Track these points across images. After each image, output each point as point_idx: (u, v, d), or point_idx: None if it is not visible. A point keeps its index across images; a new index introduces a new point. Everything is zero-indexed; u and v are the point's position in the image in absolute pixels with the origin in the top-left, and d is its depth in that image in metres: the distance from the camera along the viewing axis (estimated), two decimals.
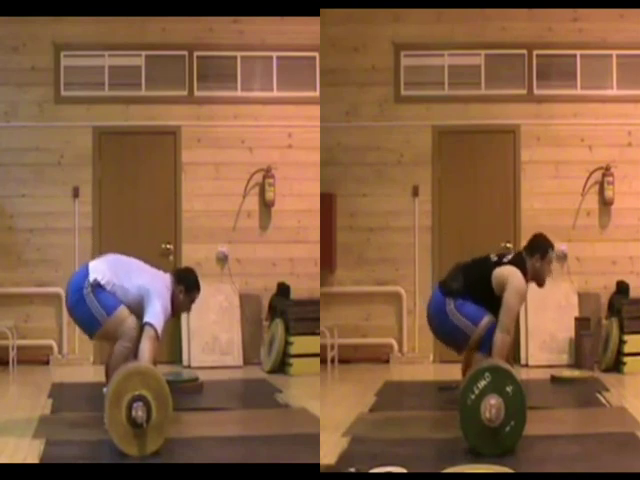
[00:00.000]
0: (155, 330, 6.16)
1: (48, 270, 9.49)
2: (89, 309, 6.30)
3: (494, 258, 6.54)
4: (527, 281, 6.47)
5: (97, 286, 6.30)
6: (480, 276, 6.44)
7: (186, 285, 6.52)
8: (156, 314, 6.21)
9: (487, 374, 5.80)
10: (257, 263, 9.74)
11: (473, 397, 5.77)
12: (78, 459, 5.62)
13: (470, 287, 6.45)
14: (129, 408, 5.65)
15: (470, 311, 6.40)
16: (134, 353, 6.20)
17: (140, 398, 5.67)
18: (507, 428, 5.75)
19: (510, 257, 6.56)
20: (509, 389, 5.79)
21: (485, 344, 6.32)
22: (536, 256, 6.53)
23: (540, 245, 6.59)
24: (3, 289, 9.45)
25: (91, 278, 6.32)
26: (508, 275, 6.37)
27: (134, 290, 6.32)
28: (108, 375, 6.38)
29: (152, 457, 5.69)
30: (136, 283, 6.34)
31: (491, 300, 6.34)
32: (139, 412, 5.63)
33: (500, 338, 6.26)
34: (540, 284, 6.62)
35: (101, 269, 6.39)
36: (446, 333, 6.57)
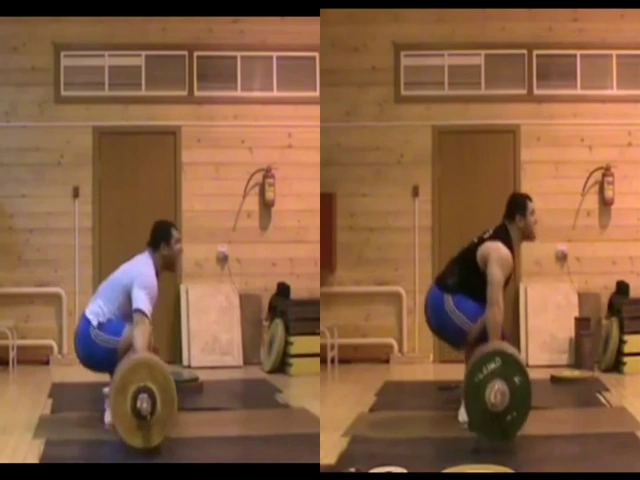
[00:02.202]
0: (143, 314, 6.19)
1: (48, 270, 9.49)
2: (104, 348, 6.32)
3: (475, 240, 6.55)
4: (515, 246, 6.47)
5: (101, 325, 6.36)
6: (470, 264, 6.43)
7: (164, 239, 6.48)
8: (141, 298, 6.22)
9: (498, 358, 5.81)
10: (257, 263, 9.74)
11: (481, 377, 5.78)
12: (78, 459, 5.62)
13: (464, 278, 6.44)
14: (134, 399, 5.67)
15: (468, 308, 6.40)
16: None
17: (146, 390, 5.69)
18: (508, 417, 5.76)
19: (491, 232, 6.54)
20: (517, 379, 5.79)
21: (480, 343, 6.31)
22: (517, 217, 6.51)
23: (516, 205, 6.57)
24: (3, 289, 9.45)
25: (94, 323, 6.37)
26: (489, 251, 6.37)
27: (124, 295, 6.34)
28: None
29: (152, 457, 5.69)
30: (122, 284, 6.36)
31: (485, 287, 6.33)
32: (144, 404, 5.66)
33: (491, 314, 6.23)
34: (532, 239, 6.63)
35: (96, 309, 6.42)
36: (445, 330, 6.58)
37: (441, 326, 6.56)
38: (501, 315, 6.27)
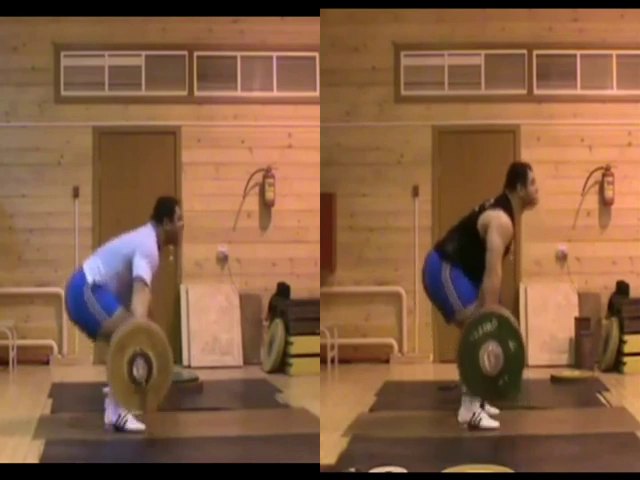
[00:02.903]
0: (144, 282, 6.20)
1: (48, 270, 9.49)
2: (91, 312, 6.31)
3: (477, 208, 6.54)
4: (517, 215, 6.48)
5: (96, 287, 6.32)
6: (470, 232, 6.42)
7: (167, 214, 6.52)
8: (142, 267, 6.24)
9: (495, 320, 5.83)
10: (257, 263, 9.74)
11: (476, 336, 5.80)
12: (78, 459, 5.62)
13: (464, 246, 6.41)
14: (131, 364, 5.70)
15: (463, 288, 6.37)
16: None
17: (143, 355, 5.72)
18: (500, 381, 5.78)
19: (492, 201, 6.53)
20: (512, 345, 5.81)
21: None
22: (518, 186, 6.51)
23: (517, 174, 6.57)
24: (3, 289, 9.45)
25: (89, 280, 6.35)
26: (489, 219, 6.37)
27: (125, 264, 6.32)
28: None
29: (152, 457, 5.70)
30: (122, 253, 6.36)
31: (484, 255, 6.32)
32: (140, 370, 5.70)
33: (489, 281, 6.22)
34: (534, 205, 6.63)
35: (95, 266, 6.41)
36: (437, 299, 6.55)
37: (435, 294, 6.54)
38: (498, 282, 6.25)
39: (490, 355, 5.74)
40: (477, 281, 6.32)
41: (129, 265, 6.30)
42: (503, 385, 5.77)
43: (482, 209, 6.49)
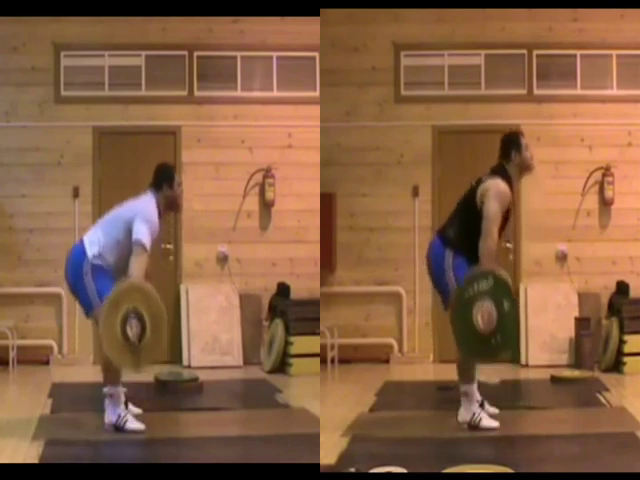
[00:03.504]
0: (143, 246, 6.20)
1: (48, 270, 9.48)
2: (86, 292, 6.31)
3: (473, 183, 6.52)
4: (515, 182, 6.47)
5: (96, 267, 6.30)
6: (469, 208, 6.39)
7: (166, 180, 6.52)
8: (142, 231, 6.23)
9: (491, 278, 5.85)
10: (257, 263, 9.74)
11: (471, 293, 5.81)
12: (78, 459, 5.62)
13: (464, 231, 6.37)
14: (124, 321, 5.72)
15: (461, 272, 6.33)
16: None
17: (136, 313, 5.74)
18: (492, 340, 5.79)
19: (489, 171, 6.52)
20: (506, 305, 5.82)
21: None
22: (512, 154, 6.50)
23: (511, 143, 6.55)
24: (3, 289, 9.45)
25: (90, 254, 6.32)
26: (487, 187, 6.35)
27: (125, 231, 6.31)
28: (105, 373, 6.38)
29: (152, 457, 5.70)
30: (123, 220, 6.35)
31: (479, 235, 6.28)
32: (133, 328, 5.72)
33: (484, 245, 6.19)
34: (530, 171, 6.62)
35: (95, 238, 6.40)
36: (439, 285, 6.53)
37: (437, 280, 6.52)
38: (494, 246, 6.21)
39: (484, 313, 5.75)
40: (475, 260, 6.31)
41: (129, 232, 6.28)
42: (495, 345, 5.79)
43: (479, 182, 6.47)
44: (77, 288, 6.38)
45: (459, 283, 6.28)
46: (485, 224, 6.27)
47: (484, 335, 5.82)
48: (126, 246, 6.29)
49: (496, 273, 5.99)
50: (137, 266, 6.16)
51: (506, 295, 5.90)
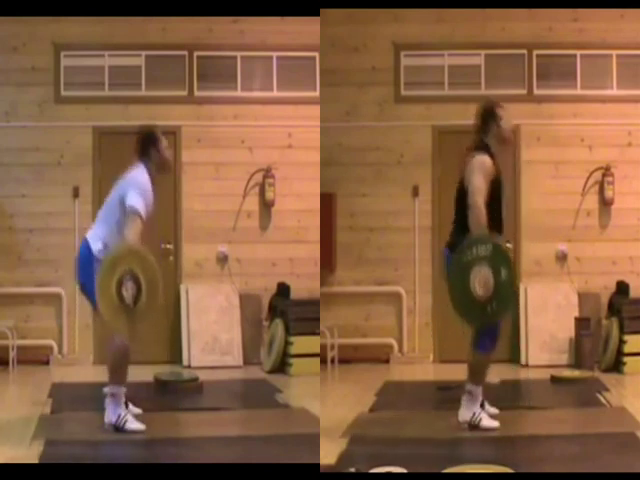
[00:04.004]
0: (135, 211, 6.19)
1: (48, 270, 9.49)
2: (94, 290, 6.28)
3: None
4: (496, 154, 6.40)
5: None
6: (463, 204, 6.32)
7: (152, 144, 6.53)
8: (133, 197, 6.24)
9: (490, 245, 5.87)
10: (257, 263, 9.74)
11: (469, 258, 5.83)
12: (78, 459, 5.62)
13: (462, 229, 6.32)
14: (120, 283, 5.75)
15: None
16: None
17: (132, 275, 5.76)
18: (488, 308, 5.80)
19: (468, 150, 6.48)
20: (504, 274, 5.83)
21: (480, 342, 6.31)
22: (490, 127, 6.47)
23: (487, 114, 6.52)
24: (3, 289, 9.45)
25: (95, 251, 6.31)
26: (470, 165, 6.31)
27: (122, 208, 6.29)
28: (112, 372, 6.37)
29: (152, 457, 5.70)
30: (118, 196, 6.35)
31: None
32: (128, 290, 5.75)
33: (472, 217, 6.15)
34: (509, 143, 6.66)
35: (96, 233, 6.42)
36: (450, 289, 6.41)
37: (449, 284, 6.41)
38: (483, 218, 6.16)
39: (481, 279, 5.77)
40: None
41: (125, 209, 6.27)
42: (491, 312, 5.80)
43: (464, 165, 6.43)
44: (87, 287, 6.35)
45: None
46: (469, 197, 6.23)
47: (480, 301, 5.82)
48: (120, 217, 6.29)
49: (495, 241, 6.00)
50: (131, 231, 6.14)
51: (504, 263, 5.90)
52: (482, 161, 6.34)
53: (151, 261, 6.01)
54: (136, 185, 6.34)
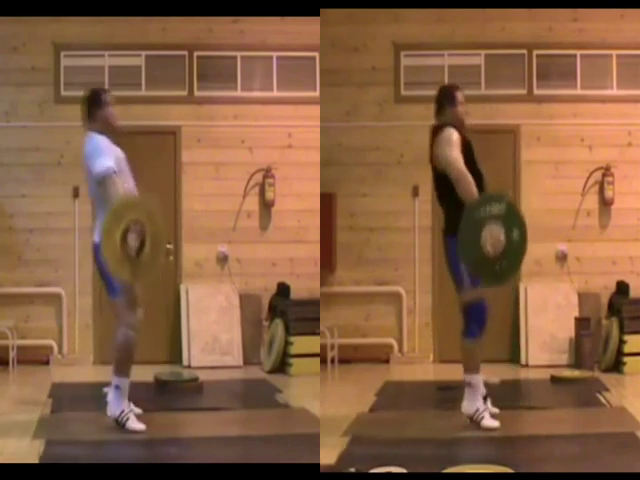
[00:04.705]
0: (100, 173, 6.17)
1: (48, 270, 9.49)
2: (110, 278, 6.30)
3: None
4: (457, 126, 6.45)
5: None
6: (443, 186, 6.37)
7: (94, 105, 6.51)
8: (94, 163, 6.23)
9: (505, 204, 5.89)
10: (257, 263, 9.74)
11: (482, 214, 5.84)
12: (78, 459, 5.62)
13: (449, 210, 6.35)
14: (125, 232, 5.75)
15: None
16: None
17: (138, 226, 5.76)
18: (497, 266, 5.81)
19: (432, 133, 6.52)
20: (515, 234, 5.84)
21: (468, 330, 6.35)
22: (447, 108, 6.52)
23: (443, 97, 6.59)
24: (3, 289, 9.45)
25: (98, 242, 6.29)
26: (437, 144, 6.36)
27: (94, 186, 6.30)
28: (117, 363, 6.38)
29: (152, 457, 5.70)
30: (89, 177, 6.35)
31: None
32: (133, 241, 5.75)
33: (461, 188, 6.18)
34: (463, 125, 6.58)
35: (95, 226, 6.41)
36: (451, 272, 6.45)
37: (450, 268, 6.44)
38: (470, 184, 6.18)
39: (492, 237, 5.79)
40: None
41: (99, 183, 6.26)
42: (499, 270, 5.81)
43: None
44: (105, 277, 6.37)
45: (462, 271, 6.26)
46: (451, 171, 6.25)
47: (489, 259, 5.83)
48: (103, 196, 6.25)
49: (510, 202, 6.01)
50: (112, 193, 6.11)
51: (517, 223, 5.91)
52: (448, 134, 6.39)
53: (158, 214, 6.01)
54: (91, 153, 6.30)
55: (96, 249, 6.34)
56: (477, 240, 5.87)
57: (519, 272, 6.10)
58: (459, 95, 6.61)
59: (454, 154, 6.32)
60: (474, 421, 6.35)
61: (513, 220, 5.92)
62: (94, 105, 6.53)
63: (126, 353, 6.32)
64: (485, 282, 6.07)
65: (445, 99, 6.59)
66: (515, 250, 5.89)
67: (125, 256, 5.85)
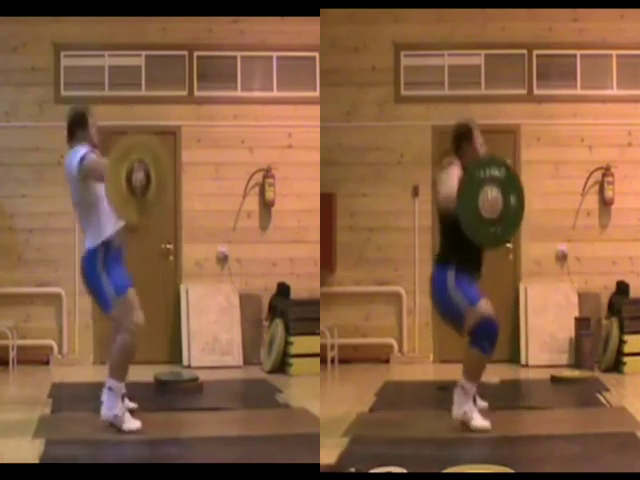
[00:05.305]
0: (80, 164, 6.11)
1: (48, 270, 9.49)
2: (103, 290, 6.27)
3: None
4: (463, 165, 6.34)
5: (107, 264, 6.25)
6: (445, 221, 6.30)
7: (79, 126, 6.39)
8: (76, 162, 6.16)
9: (504, 169, 5.96)
10: (257, 263, 9.74)
11: (482, 176, 5.87)
12: (78, 459, 5.62)
13: (448, 241, 6.31)
14: (130, 172, 5.77)
15: (465, 287, 6.24)
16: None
17: (143, 166, 5.74)
18: (492, 229, 5.85)
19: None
20: (513, 199, 5.88)
21: (476, 340, 6.28)
22: (464, 146, 6.42)
23: (459, 134, 6.49)
24: (3, 289, 9.45)
25: (91, 246, 6.27)
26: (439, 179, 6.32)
27: (76, 188, 6.25)
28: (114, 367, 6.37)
29: (152, 457, 5.70)
30: (71, 185, 6.30)
31: (462, 237, 6.13)
32: (138, 182, 5.73)
33: (443, 198, 6.15)
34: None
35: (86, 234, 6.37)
36: (446, 310, 6.40)
37: (444, 306, 6.37)
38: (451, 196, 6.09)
39: (491, 198, 5.81)
40: (474, 267, 6.29)
41: (84, 187, 6.19)
42: (494, 234, 5.84)
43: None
44: (94, 292, 6.35)
45: (462, 294, 6.22)
46: (443, 190, 6.14)
47: (486, 221, 5.85)
48: (91, 199, 6.20)
49: (509, 168, 6.05)
50: (102, 164, 6.00)
51: (515, 189, 5.93)
52: (448, 171, 6.27)
53: (165, 160, 5.99)
54: (73, 162, 6.20)
55: (86, 259, 6.31)
56: (475, 200, 5.88)
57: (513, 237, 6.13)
58: (475, 129, 6.49)
59: (448, 187, 6.13)
60: (462, 423, 6.32)
61: (512, 186, 5.93)
62: (79, 126, 6.43)
63: (123, 359, 6.30)
64: (481, 244, 6.07)
65: (461, 139, 6.43)
66: (512, 215, 5.92)
67: (130, 195, 5.81)
